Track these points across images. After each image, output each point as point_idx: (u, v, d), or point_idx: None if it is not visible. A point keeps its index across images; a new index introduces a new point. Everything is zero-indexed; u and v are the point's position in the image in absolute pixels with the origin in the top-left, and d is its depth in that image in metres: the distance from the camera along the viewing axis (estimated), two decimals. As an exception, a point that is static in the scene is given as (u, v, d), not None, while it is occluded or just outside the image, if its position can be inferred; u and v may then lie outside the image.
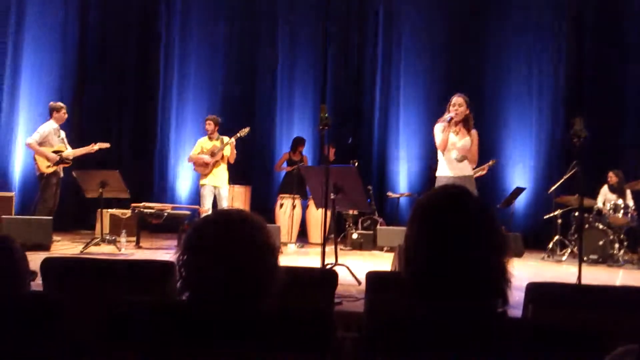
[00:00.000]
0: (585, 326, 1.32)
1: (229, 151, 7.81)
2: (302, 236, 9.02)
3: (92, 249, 6.74)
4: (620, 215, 7.81)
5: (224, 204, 7.70)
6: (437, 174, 5.28)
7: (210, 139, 7.95)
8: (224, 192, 7.82)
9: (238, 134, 7.81)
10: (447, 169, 5.18)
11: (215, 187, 7.79)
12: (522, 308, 2.27)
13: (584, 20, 10.14)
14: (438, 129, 5.27)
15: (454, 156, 5.19)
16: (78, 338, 2.16)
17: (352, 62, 10.64)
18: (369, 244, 8.49)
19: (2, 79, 9.16)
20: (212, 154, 7.77)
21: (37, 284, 2.49)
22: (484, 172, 8.23)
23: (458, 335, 1.23)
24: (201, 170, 7.85)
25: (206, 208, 7.67)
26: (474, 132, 5.25)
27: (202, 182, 7.86)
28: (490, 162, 8.30)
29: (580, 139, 4.67)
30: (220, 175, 7.82)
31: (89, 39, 10.11)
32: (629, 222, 7.89)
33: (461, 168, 5.18)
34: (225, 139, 7.83)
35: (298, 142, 9.16)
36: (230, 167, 8.03)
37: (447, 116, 5.18)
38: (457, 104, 5.17)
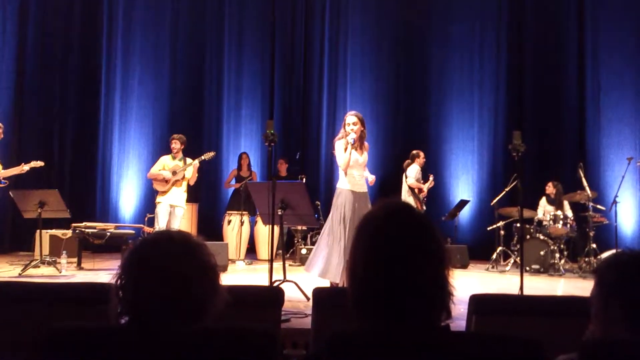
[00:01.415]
0: (527, 336, 1.34)
1: (190, 173, 7.63)
2: (251, 253, 8.93)
3: (31, 271, 6.49)
4: (559, 225, 8.06)
5: (176, 224, 7.49)
6: (339, 185, 5.41)
7: (174, 157, 7.75)
8: (178, 212, 7.62)
9: (202, 157, 7.67)
10: (348, 184, 5.32)
11: (171, 206, 7.58)
12: (466, 320, 2.31)
13: (523, 34, 10.52)
14: (339, 147, 5.36)
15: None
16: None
17: (298, 77, 10.68)
18: (318, 259, 8.47)
19: None
20: (174, 173, 7.58)
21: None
22: (432, 184, 8.72)
23: (402, 351, 1.23)
24: (160, 187, 7.64)
25: (159, 227, 7.38)
26: (366, 145, 5.52)
27: (158, 199, 7.63)
28: (431, 177, 8.76)
29: (519, 153, 4.83)
30: (178, 195, 7.62)
31: (27, 52, 9.78)
32: (568, 233, 8.15)
33: (361, 185, 5.38)
34: (189, 160, 7.67)
35: (240, 159, 9.14)
36: (189, 189, 7.85)
37: (349, 138, 5.29)
38: (352, 123, 5.34)
